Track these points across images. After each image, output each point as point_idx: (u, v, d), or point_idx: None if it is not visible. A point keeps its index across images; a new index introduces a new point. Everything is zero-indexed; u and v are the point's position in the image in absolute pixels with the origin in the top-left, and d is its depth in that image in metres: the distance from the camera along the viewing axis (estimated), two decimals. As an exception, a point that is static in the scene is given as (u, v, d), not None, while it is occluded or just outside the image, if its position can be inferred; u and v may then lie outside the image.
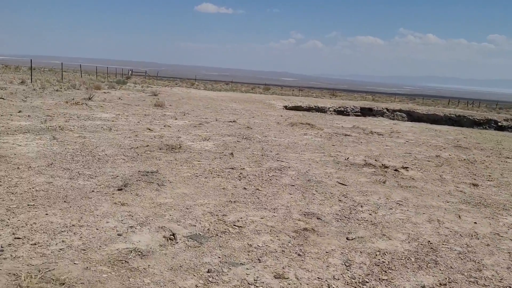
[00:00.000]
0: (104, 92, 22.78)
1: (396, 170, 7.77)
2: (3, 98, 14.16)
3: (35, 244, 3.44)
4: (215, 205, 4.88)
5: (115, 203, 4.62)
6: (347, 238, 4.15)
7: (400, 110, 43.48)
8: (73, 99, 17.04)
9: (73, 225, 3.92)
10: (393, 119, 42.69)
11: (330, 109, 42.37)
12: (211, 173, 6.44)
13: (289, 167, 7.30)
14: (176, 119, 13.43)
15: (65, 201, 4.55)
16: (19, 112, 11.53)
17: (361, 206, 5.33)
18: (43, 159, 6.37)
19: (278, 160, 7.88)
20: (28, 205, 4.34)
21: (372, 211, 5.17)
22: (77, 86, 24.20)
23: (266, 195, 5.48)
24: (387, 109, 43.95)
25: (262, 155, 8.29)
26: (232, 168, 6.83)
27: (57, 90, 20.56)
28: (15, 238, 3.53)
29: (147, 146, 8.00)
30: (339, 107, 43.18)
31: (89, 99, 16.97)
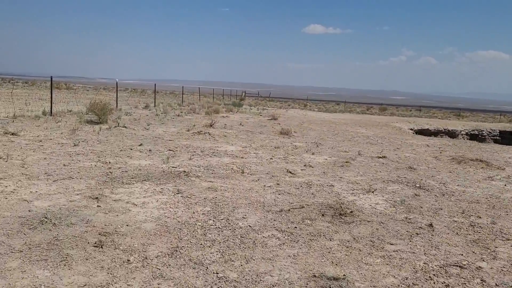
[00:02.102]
0: (223, 116, 21.53)
1: None
2: (125, 127, 13.20)
3: None
4: None
5: None
6: None
7: (555, 134, 35.95)
8: (194, 125, 15.76)
9: None
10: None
11: (462, 132, 36.79)
12: (431, 278, 3.67)
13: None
14: (313, 153, 10.92)
15: None
16: (140, 145, 10.12)
17: None
18: (165, 236, 4.25)
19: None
20: None
21: None
22: (197, 110, 23.44)
23: None
24: (537, 133, 36.70)
25: (479, 227, 5.25)
26: (460, 267, 3.96)
27: (178, 115, 19.75)
28: None
29: (301, 207, 5.53)
30: (472, 130, 37.24)
31: (211, 126, 15.49)
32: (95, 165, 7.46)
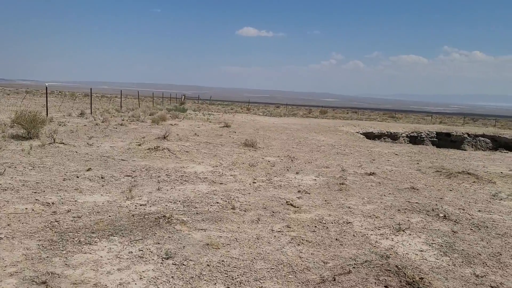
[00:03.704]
0: (172, 124, 19.43)
1: None
2: (63, 143, 10.80)
3: None
4: None
5: None
6: None
7: (483, 135, 38.04)
8: (144, 137, 13.65)
9: None
10: (478, 147, 37.11)
11: (403, 135, 37.79)
12: None
13: None
14: (296, 172, 9.43)
15: None
16: (88, 170, 7.98)
17: None
18: None
19: None
20: None
21: None
22: (141, 117, 21.06)
23: None
24: (468, 134, 38.64)
25: None
26: None
27: (121, 124, 17.35)
28: None
29: (348, 273, 3.97)
30: (412, 133, 38.44)
31: (164, 137, 13.47)
32: (32, 210, 5.33)
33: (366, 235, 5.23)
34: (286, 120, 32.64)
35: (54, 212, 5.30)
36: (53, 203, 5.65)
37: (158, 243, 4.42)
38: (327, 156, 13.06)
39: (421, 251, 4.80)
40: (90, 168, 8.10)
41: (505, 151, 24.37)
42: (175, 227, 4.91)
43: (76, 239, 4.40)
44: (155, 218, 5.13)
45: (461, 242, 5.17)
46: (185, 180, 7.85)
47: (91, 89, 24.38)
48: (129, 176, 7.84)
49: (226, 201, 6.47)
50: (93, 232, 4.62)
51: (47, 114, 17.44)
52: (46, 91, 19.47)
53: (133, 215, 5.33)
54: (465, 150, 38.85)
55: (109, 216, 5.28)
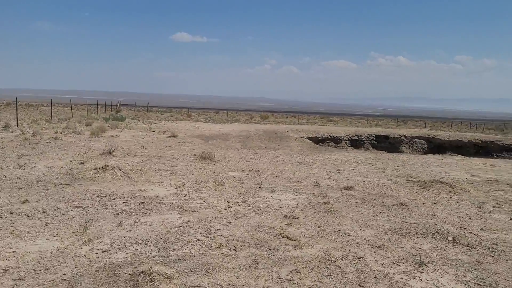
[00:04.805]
0: (112, 136, 17.65)
1: None
2: (-13, 166, 8.93)
3: None
4: None
5: None
6: None
7: (419, 137, 39.89)
8: (85, 153, 11.97)
9: None
10: (415, 149, 38.81)
11: (345, 138, 38.60)
12: None
13: None
14: (272, 191, 8.45)
15: None
16: (23, 202, 6.40)
17: None
18: None
19: None
20: None
21: None
22: (78, 129, 18.96)
23: None
24: (405, 136, 40.33)
25: None
26: None
27: (55, 138, 15.32)
28: None
29: None
30: (353, 136, 39.38)
31: (110, 153, 11.89)
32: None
33: (389, 275, 4.39)
34: (231, 127, 31.64)
35: (-16, 273, 3.86)
36: (-19, 259, 4.18)
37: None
38: (291, 167, 12.27)
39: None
40: (26, 200, 6.53)
41: (454, 154, 25.25)
42: (160, 287, 3.71)
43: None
44: (130, 275, 3.88)
45: (494, 275, 4.50)
46: (149, 209, 6.57)
47: (16, 98, 21.68)
48: (78, 207, 6.39)
49: (207, 236, 5.33)
50: (47, 307, 3.30)
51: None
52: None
53: (97, 271, 4.03)
54: (403, 151, 40.42)
55: (64, 274, 3.95)
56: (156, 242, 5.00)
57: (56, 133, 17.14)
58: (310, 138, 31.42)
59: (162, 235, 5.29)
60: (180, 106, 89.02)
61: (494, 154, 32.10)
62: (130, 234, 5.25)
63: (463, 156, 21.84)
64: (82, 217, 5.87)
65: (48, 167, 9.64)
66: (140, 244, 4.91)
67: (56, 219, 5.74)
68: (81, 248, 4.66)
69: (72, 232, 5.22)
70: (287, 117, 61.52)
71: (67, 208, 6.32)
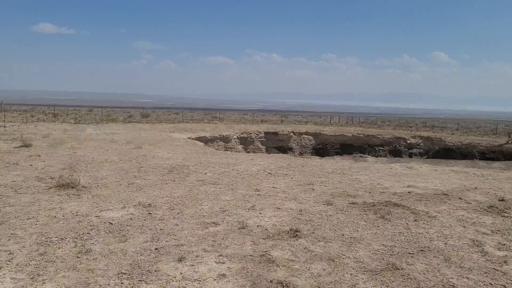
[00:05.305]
0: None
1: None
2: None
3: None
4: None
5: None
6: None
7: (306, 133, 40.24)
8: None
9: None
10: (303, 145, 38.68)
11: (234, 136, 37.03)
12: None
13: None
14: (179, 260, 5.01)
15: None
16: None
17: None
18: None
19: None
20: None
21: None
22: None
23: None
24: (294, 133, 40.32)
25: None
26: None
27: None
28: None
29: None
30: (242, 134, 38.04)
31: None
32: None
33: None
34: (106, 129, 26.58)
35: None
36: None
37: None
38: (197, 194, 8.78)
39: None
40: None
41: (366, 155, 24.33)
42: None
43: None
44: None
45: None
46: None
47: None
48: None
49: None
50: None
51: None
52: None
53: None
54: (292, 148, 39.82)
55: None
56: None
57: None
58: (198, 138, 28.73)
59: None
60: (47, 103, 77.62)
61: (377, 148, 32.84)
62: None
63: (375, 158, 20.75)
64: None
65: None
66: None
67: None
68: None
69: None
70: (170, 114, 57.31)
71: None
